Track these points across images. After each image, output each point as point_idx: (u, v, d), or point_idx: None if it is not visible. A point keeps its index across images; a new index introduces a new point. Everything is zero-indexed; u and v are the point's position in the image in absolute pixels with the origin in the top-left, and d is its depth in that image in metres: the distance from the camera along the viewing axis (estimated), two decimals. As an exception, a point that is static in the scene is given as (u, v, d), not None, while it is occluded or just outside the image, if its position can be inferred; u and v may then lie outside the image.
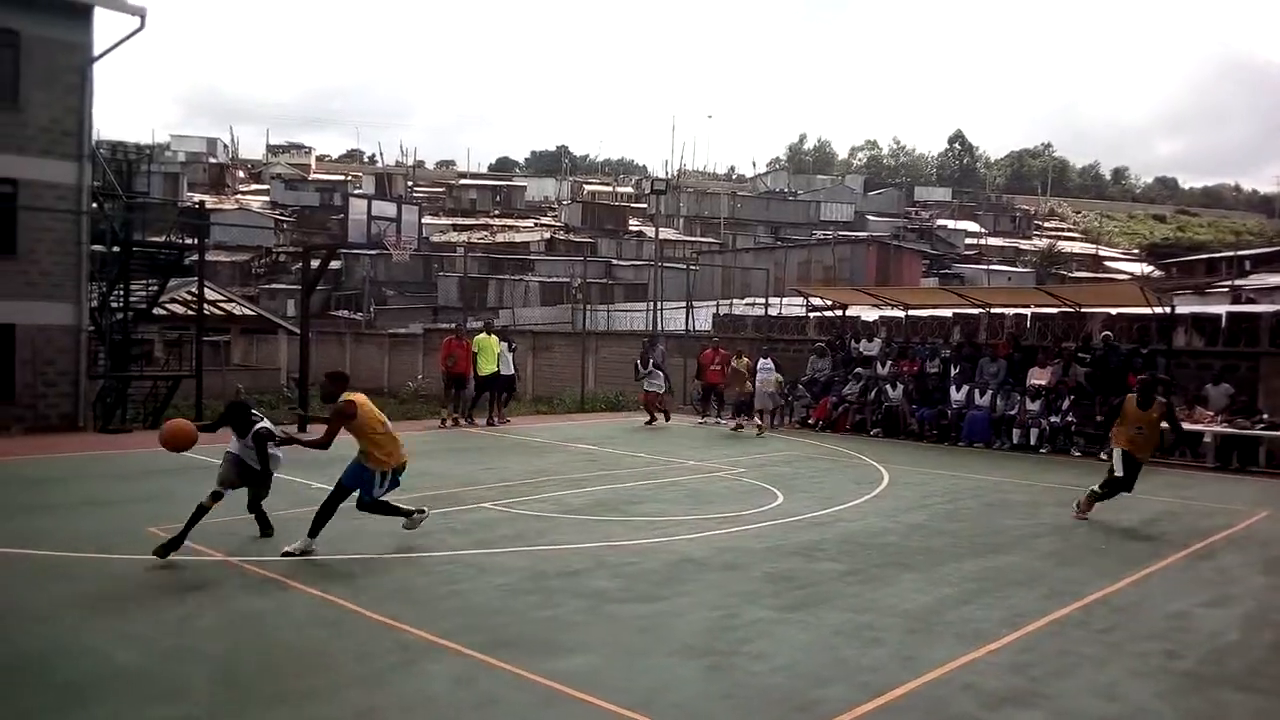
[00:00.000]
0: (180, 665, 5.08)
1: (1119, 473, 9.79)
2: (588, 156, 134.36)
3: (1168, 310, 17.77)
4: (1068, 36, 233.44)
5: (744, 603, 6.47)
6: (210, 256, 38.23)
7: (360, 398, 7.56)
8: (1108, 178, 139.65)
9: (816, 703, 4.76)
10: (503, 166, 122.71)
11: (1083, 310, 18.88)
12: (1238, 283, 32.38)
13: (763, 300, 27.47)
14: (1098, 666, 5.43)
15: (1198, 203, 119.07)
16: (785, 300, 27.94)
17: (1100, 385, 16.26)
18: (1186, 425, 15.27)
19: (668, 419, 18.80)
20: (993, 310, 20.44)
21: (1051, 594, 6.91)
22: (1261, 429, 14.66)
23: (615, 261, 57.76)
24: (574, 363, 24.91)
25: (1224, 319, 17.70)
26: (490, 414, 17.99)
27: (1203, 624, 6.34)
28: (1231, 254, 52.27)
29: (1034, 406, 16.32)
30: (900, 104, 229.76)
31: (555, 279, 52.49)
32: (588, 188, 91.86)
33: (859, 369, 19.23)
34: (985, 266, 55.32)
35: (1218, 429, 14.87)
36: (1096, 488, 10.02)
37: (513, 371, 18.70)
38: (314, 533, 7.33)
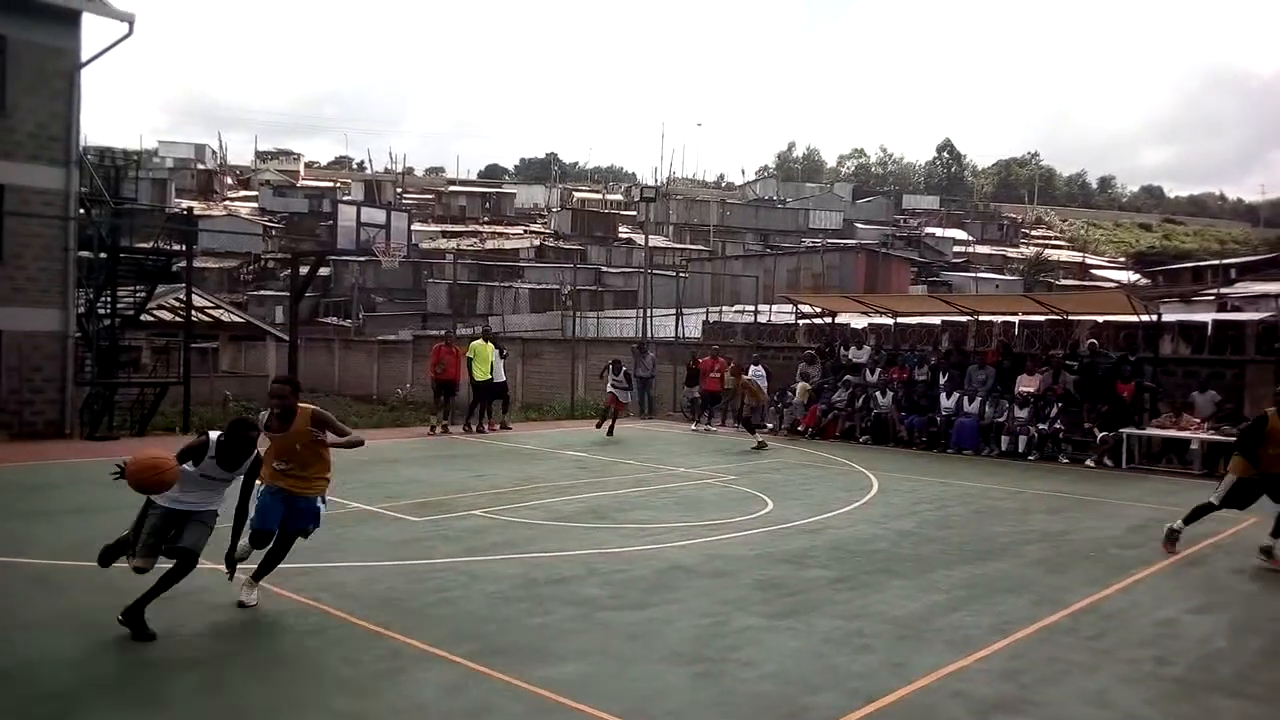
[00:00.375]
0: (167, 674, 5.05)
1: (1217, 499, 8.74)
2: (577, 164, 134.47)
3: (1154, 318, 17.88)
4: (1055, 47, 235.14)
5: (734, 610, 6.47)
6: (198, 263, 38.10)
7: None
8: (1094, 186, 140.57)
9: (807, 709, 4.76)
10: (492, 174, 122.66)
11: (1070, 318, 18.99)
12: (1223, 291, 32.62)
13: (752, 307, 27.52)
14: (1087, 673, 5.44)
15: (1184, 211, 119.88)
16: (774, 307, 27.99)
17: (1088, 393, 16.36)
18: (1173, 433, 15.41)
19: (611, 432, 17.40)
20: (981, 318, 20.55)
21: (1041, 601, 6.94)
22: (1248, 436, 14.73)
23: (605, 269, 57.77)
24: (564, 369, 24.90)
25: (1210, 327, 17.84)
26: (480, 421, 17.96)
27: (1192, 630, 6.37)
28: (1217, 262, 52.61)
29: (1022, 414, 16.39)
30: (888, 113, 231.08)
31: (545, 286, 52.46)
32: (577, 195, 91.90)
33: (848, 376, 19.28)
34: (973, 274, 55.52)
35: (1204, 436, 14.95)
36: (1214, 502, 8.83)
37: (504, 378, 18.69)
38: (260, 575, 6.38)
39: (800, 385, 18.96)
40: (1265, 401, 15.90)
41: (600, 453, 15.25)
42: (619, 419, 18.19)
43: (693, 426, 19.66)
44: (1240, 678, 5.49)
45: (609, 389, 18.34)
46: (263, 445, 6.13)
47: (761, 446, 16.06)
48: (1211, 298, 30.22)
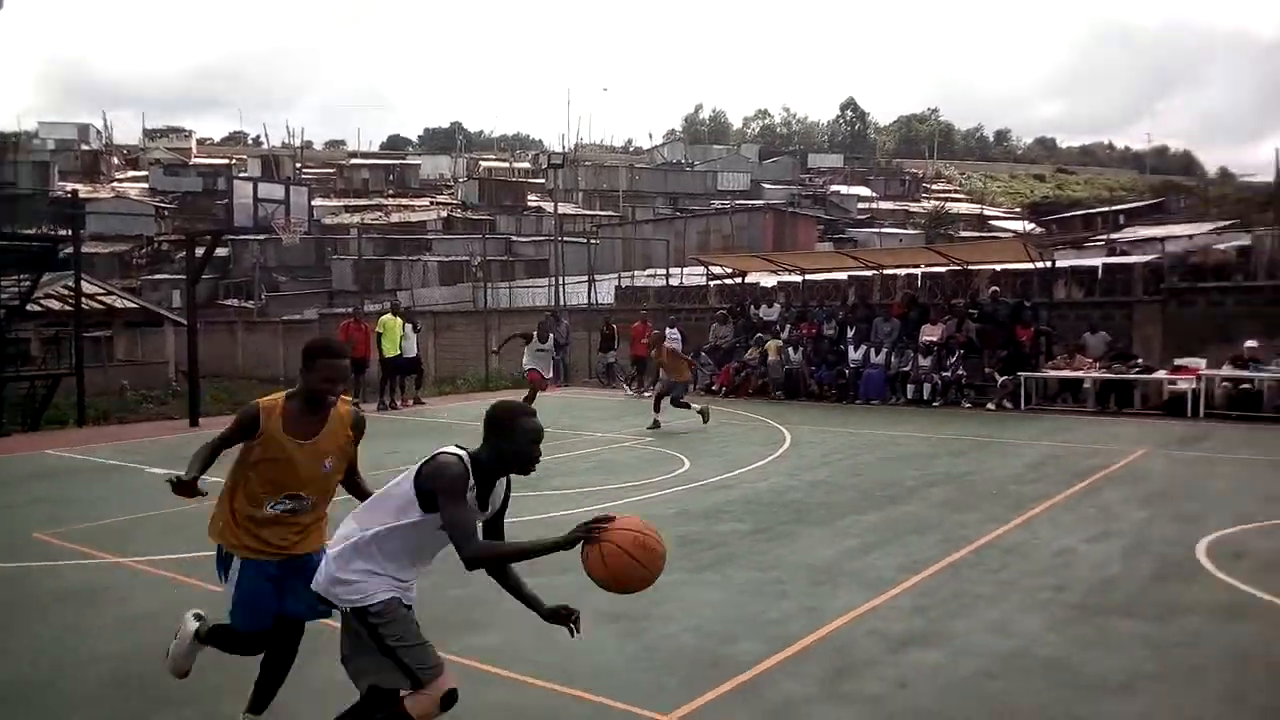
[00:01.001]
0: (74, 673, 4.88)
1: None
2: (483, 132, 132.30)
3: (1049, 264, 18.57)
4: (953, 3, 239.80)
5: (654, 568, 6.53)
6: (87, 248, 36.37)
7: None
8: (991, 140, 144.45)
9: (728, 658, 4.87)
10: (395, 145, 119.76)
11: (970, 268, 19.60)
12: (1112, 236, 34.00)
13: (664, 271, 27.66)
14: (991, 604, 5.69)
15: (1075, 161, 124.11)
16: (686, 270, 28.18)
17: (988, 339, 16.95)
18: (1067, 373, 16.09)
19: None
20: (885, 271, 21.05)
21: (947, 539, 7.20)
22: (1136, 373, 15.50)
23: (515, 238, 57.18)
24: (476, 341, 24.65)
25: (1100, 271, 18.69)
26: (393, 397, 17.68)
27: (1087, 559, 6.70)
28: (1106, 209, 54.88)
29: (926, 362, 16.90)
30: (792, 72, 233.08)
31: (454, 258, 51.66)
32: (484, 164, 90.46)
33: (760, 334, 19.56)
34: (877, 230, 56.74)
35: (1096, 375, 15.66)
36: None
37: (416, 353, 18.39)
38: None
39: (772, 343, 18.63)
40: (1152, 340, 16.78)
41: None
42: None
43: (629, 392, 19.66)
44: (1131, 599, 5.81)
45: (528, 363, 15.17)
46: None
47: (660, 426, 13.83)
48: (1101, 243, 31.46)
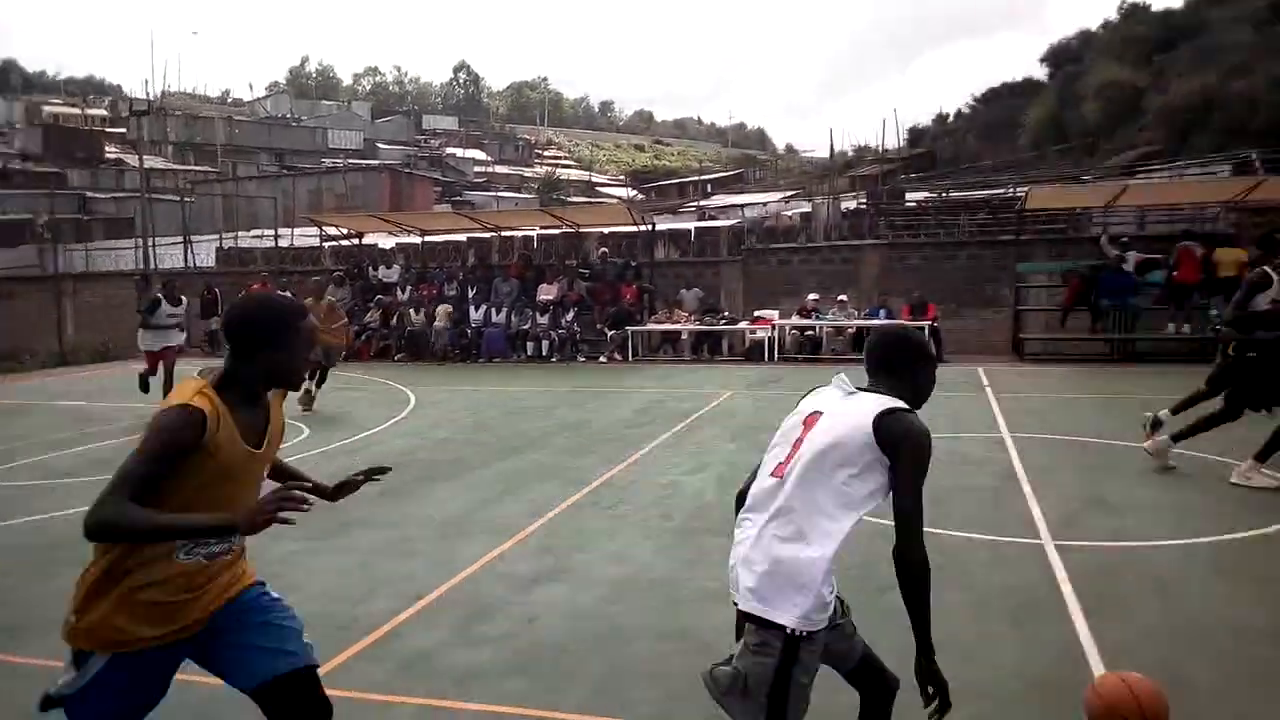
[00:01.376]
0: None
1: None
2: (45, 73, 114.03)
3: (650, 228, 20.11)
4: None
5: (272, 540, 6.17)
6: None
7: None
8: (596, 110, 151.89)
9: (358, 619, 4.83)
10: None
11: (581, 230, 20.64)
12: (702, 203, 37.51)
13: (272, 231, 25.99)
14: (609, 537, 6.17)
15: (670, 134, 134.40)
16: (297, 230, 26.68)
17: (598, 297, 18.04)
18: (667, 326, 17.62)
19: (145, 386, 12.28)
20: (503, 233, 21.51)
21: (568, 483, 7.66)
22: (724, 324, 17.38)
23: (91, 194, 50.33)
24: (47, 312, 21.53)
25: (693, 234, 20.59)
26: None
27: (688, 489, 7.47)
28: (697, 179, 60.23)
29: (544, 320, 17.62)
30: (404, 31, 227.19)
31: (13, 216, 44.29)
32: (48, 109, 78.17)
33: (380, 296, 19.14)
34: (494, 193, 57.52)
35: (691, 327, 17.32)
36: None
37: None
38: None
39: (442, 308, 18.11)
40: (736, 295, 18.88)
41: (102, 399, 13.57)
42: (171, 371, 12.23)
43: None
44: (725, 521, 6.48)
45: (152, 341, 12.12)
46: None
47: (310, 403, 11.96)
48: (694, 209, 34.60)
